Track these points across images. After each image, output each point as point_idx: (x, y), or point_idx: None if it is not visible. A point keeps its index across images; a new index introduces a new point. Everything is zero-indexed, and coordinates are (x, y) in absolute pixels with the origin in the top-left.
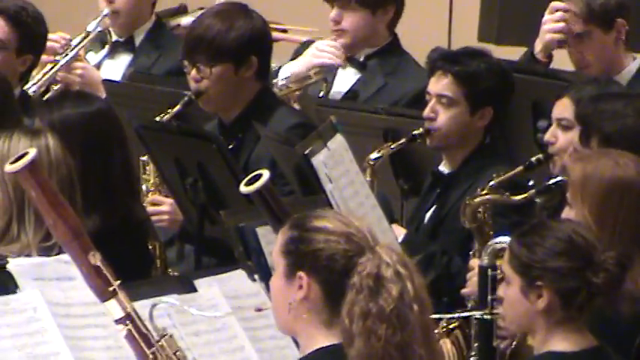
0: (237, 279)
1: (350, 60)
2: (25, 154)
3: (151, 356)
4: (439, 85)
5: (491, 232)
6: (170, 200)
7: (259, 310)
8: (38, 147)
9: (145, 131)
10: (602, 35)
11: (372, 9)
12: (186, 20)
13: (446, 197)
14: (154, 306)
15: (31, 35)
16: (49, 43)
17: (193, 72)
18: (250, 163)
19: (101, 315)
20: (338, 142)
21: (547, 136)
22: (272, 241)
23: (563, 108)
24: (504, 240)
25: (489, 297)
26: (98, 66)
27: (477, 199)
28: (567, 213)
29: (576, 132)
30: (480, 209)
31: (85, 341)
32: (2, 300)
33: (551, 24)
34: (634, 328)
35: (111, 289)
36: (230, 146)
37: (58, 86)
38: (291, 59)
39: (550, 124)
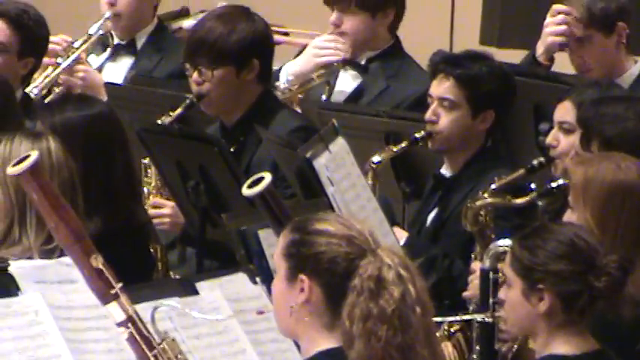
0: (239, 282)
1: (351, 63)
2: (27, 156)
3: (152, 359)
4: (441, 88)
5: (493, 235)
6: (172, 203)
7: (261, 313)
8: (40, 150)
9: (147, 134)
10: (603, 39)
11: (371, 12)
12: (188, 23)
13: (447, 200)
14: (155, 309)
15: (32, 38)
16: (50, 46)
17: (195, 75)
18: (252, 166)
19: (103, 318)
20: (340, 145)
21: (549, 140)
22: (273, 244)
23: (565, 111)
24: (506, 243)
25: (491, 300)
26: (100, 69)
27: (479, 202)
28: (569, 216)
29: (578, 135)
30: (482, 212)
31: (86, 344)
32: (4, 302)
33: (553, 27)
34: (636, 331)
35: (112, 291)
36: (232, 149)
37: (60, 89)
38: None
39: (552, 127)
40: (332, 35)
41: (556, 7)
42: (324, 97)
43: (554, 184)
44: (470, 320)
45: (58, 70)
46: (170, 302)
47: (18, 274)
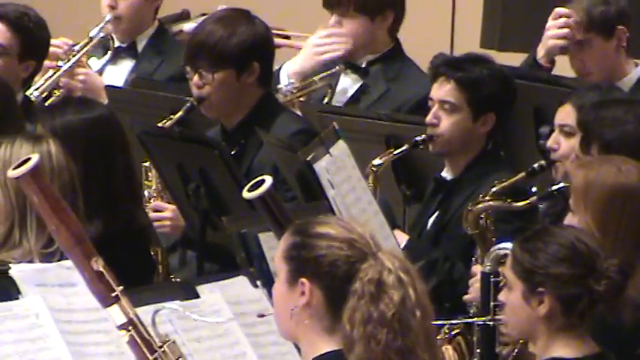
0: (240, 285)
1: (351, 66)
2: (28, 159)
3: None
4: (442, 91)
5: (494, 239)
6: (172, 206)
7: (261, 316)
8: (40, 153)
9: (147, 137)
10: (603, 43)
11: (370, 15)
12: (188, 26)
13: (448, 203)
14: (156, 312)
15: (33, 41)
16: (51, 49)
17: (195, 78)
18: (252, 170)
19: (103, 321)
20: (340, 148)
21: (549, 143)
22: (274, 247)
23: (566, 114)
24: (507, 246)
25: (491, 303)
26: (100, 72)
27: (480, 206)
28: (570, 219)
29: (578, 138)
30: (483, 215)
31: (87, 347)
32: (4, 306)
33: (554, 30)
34: (636, 335)
35: (113, 294)
36: (232, 152)
37: (61, 92)
38: None
39: (552, 131)
40: (326, 30)
41: (558, 10)
42: (326, 100)
43: (554, 188)
44: (471, 323)
45: (59, 73)
46: (171, 305)
47: (18, 277)
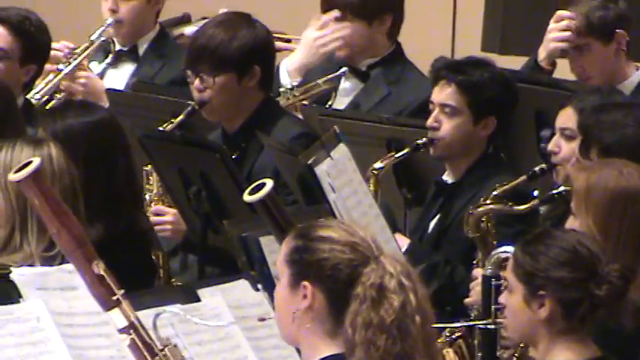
0: (241, 289)
1: (352, 70)
2: (29, 163)
3: None
4: (442, 94)
5: (495, 242)
6: (173, 210)
7: (262, 319)
8: (41, 156)
9: (149, 141)
10: (602, 47)
11: (367, 20)
12: (189, 30)
13: (449, 207)
14: (157, 315)
15: (34, 44)
16: (52, 52)
17: (196, 82)
18: (254, 173)
19: (104, 324)
20: (341, 151)
21: (550, 146)
22: (275, 251)
23: (567, 118)
24: (508, 249)
25: (493, 307)
26: (101, 75)
27: (481, 209)
28: (571, 223)
29: (579, 142)
30: (484, 219)
31: (88, 351)
32: (6, 309)
33: (555, 32)
34: (638, 339)
35: (114, 298)
36: (233, 156)
37: (62, 95)
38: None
39: (553, 134)
40: (320, 21)
41: (560, 12)
42: (330, 102)
43: (555, 191)
44: (472, 327)
45: (60, 77)
46: (172, 309)
47: (20, 281)
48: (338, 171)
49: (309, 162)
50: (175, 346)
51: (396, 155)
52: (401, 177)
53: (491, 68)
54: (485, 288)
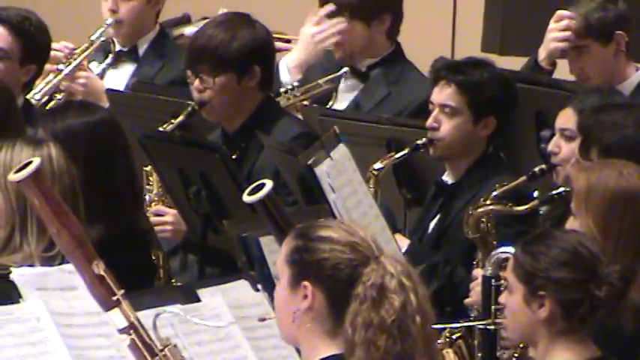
0: (241, 289)
1: (352, 70)
2: (29, 163)
3: None
4: (442, 94)
5: (495, 242)
6: (173, 211)
7: (262, 319)
8: (41, 157)
9: (148, 141)
10: (601, 49)
11: (366, 20)
12: (189, 30)
13: (449, 207)
14: (157, 316)
15: (34, 45)
16: (52, 53)
17: (196, 82)
18: (253, 173)
19: (104, 324)
20: (341, 152)
21: (550, 147)
22: (275, 251)
23: (567, 118)
24: (508, 250)
25: (493, 307)
26: (101, 75)
27: (480, 210)
28: (571, 223)
29: (579, 142)
30: (483, 219)
31: (88, 351)
32: (5, 309)
33: (556, 32)
34: (637, 339)
35: (114, 298)
36: (233, 156)
37: (61, 95)
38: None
39: (553, 134)
40: (316, 17)
41: (560, 12)
42: (330, 102)
43: (555, 192)
44: (472, 327)
45: (60, 77)
46: (172, 309)
47: (19, 281)
48: (338, 171)
49: (309, 162)
50: (175, 346)
51: (396, 155)
52: (401, 177)
53: (491, 68)
54: (485, 288)
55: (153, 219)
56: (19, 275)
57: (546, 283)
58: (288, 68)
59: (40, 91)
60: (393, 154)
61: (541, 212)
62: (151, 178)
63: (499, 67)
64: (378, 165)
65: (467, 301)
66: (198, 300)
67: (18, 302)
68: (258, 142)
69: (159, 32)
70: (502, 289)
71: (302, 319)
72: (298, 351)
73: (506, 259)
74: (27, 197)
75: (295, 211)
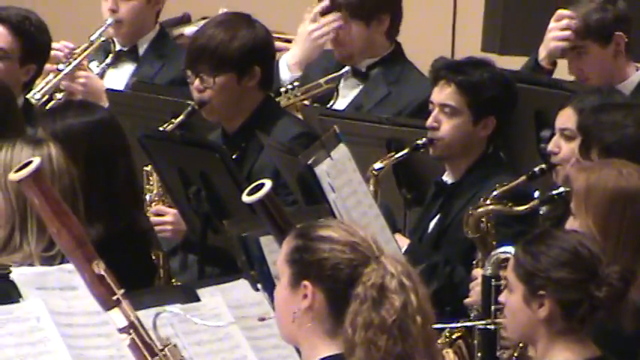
0: (241, 288)
1: (352, 70)
2: (29, 162)
3: None
4: (442, 94)
5: (494, 242)
6: (173, 211)
7: (262, 319)
8: (41, 156)
9: (148, 141)
10: (600, 50)
11: (365, 21)
12: (189, 30)
13: (449, 207)
14: (157, 315)
15: (34, 44)
16: (52, 52)
17: (196, 82)
18: (253, 173)
19: (104, 324)
20: (341, 151)
21: (550, 146)
22: (275, 250)
23: (566, 118)
24: (507, 250)
25: (492, 307)
26: (101, 75)
27: (480, 209)
28: (571, 223)
29: (579, 142)
30: (483, 219)
31: (88, 350)
32: (5, 309)
33: (556, 32)
34: (637, 340)
35: (114, 297)
36: (233, 156)
37: (61, 95)
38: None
39: (553, 134)
40: (312, 14)
41: (560, 11)
42: (331, 102)
43: (555, 192)
44: (471, 327)
45: (60, 77)
46: (172, 309)
47: (19, 280)
48: (338, 171)
49: (309, 162)
50: (175, 345)
51: (396, 155)
52: (401, 177)
53: (491, 68)
54: (485, 288)
55: (153, 219)
56: (18, 275)
57: (546, 282)
58: (287, 65)
59: (40, 91)
60: (393, 153)
61: (541, 212)
62: (151, 178)
63: (499, 67)
64: (378, 165)
65: (467, 301)
66: (198, 300)
67: (18, 302)
68: (258, 142)
69: (159, 32)
70: (502, 288)
71: (302, 319)
72: (298, 351)
73: (506, 259)
74: (27, 197)
75: (295, 210)
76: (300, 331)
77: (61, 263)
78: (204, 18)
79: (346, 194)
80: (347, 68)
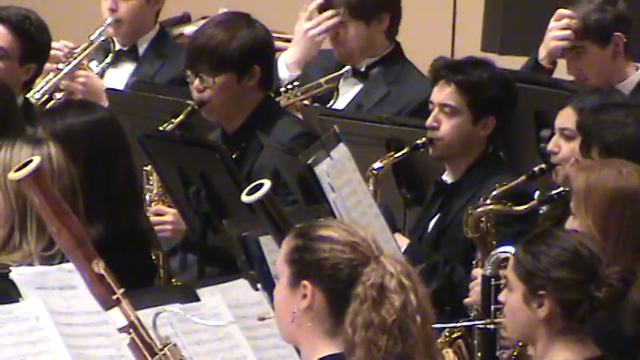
0: (240, 288)
1: (351, 70)
2: (29, 162)
3: None
4: (442, 94)
5: (494, 242)
6: (173, 210)
7: (262, 319)
8: (41, 156)
9: (148, 140)
10: (599, 50)
11: (365, 20)
12: (189, 29)
13: (449, 207)
14: (157, 315)
15: (34, 44)
16: (52, 52)
17: (196, 82)
18: (253, 173)
19: (104, 324)
20: (341, 151)
21: (550, 146)
22: (275, 250)
23: (566, 118)
24: (507, 250)
25: (492, 306)
26: (101, 75)
27: (480, 209)
28: (571, 223)
29: (579, 142)
30: (483, 219)
31: (87, 350)
32: (5, 309)
33: (556, 31)
34: (637, 340)
35: (114, 297)
36: (233, 156)
37: (61, 94)
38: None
39: (553, 134)
40: (307, 13)
41: (560, 11)
42: (331, 102)
43: (555, 191)
44: (471, 327)
45: (60, 76)
46: (172, 308)
47: (19, 280)
48: (337, 171)
49: (309, 162)
50: (175, 345)
51: (396, 155)
52: (400, 177)
53: (490, 68)
54: (485, 288)
55: (153, 219)
56: (18, 274)
57: (546, 282)
58: (286, 65)
59: (39, 91)
60: (392, 153)
61: (541, 212)
62: (151, 178)
63: (499, 67)
64: (377, 164)
65: (466, 300)
66: (197, 299)
67: (17, 301)
68: (257, 142)
69: (159, 31)
70: (501, 288)
71: (302, 319)
72: (298, 351)
73: (506, 259)
74: (27, 196)
75: (295, 210)
76: (300, 331)
77: (60, 263)
78: (204, 17)
79: (346, 194)
80: (347, 68)
